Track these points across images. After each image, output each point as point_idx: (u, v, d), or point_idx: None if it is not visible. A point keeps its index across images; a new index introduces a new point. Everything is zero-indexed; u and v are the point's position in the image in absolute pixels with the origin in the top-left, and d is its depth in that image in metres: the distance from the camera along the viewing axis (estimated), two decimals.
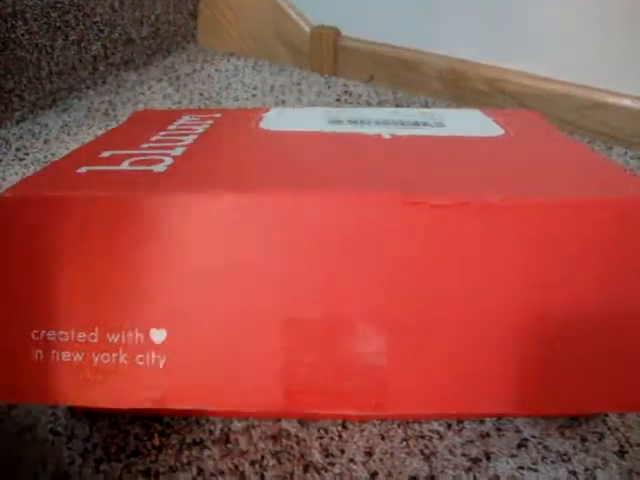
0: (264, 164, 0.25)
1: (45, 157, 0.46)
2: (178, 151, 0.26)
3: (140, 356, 0.21)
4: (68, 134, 0.49)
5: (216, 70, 0.58)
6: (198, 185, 0.22)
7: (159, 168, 0.24)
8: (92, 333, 0.21)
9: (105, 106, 0.52)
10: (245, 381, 0.21)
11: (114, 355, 0.21)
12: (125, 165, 0.24)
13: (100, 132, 0.48)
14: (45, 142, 0.48)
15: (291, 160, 0.25)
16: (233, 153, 0.27)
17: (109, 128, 0.46)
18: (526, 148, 0.28)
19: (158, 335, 0.21)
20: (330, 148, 0.27)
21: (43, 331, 0.21)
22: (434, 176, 0.24)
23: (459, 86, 0.53)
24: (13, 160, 0.46)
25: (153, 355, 0.21)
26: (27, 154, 0.47)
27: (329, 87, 0.55)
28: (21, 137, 0.49)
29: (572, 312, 0.21)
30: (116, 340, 0.21)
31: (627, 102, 0.47)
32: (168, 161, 0.25)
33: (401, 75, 0.55)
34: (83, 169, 0.24)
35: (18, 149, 0.47)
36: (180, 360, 0.21)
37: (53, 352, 0.21)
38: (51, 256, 0.21)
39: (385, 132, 0.29)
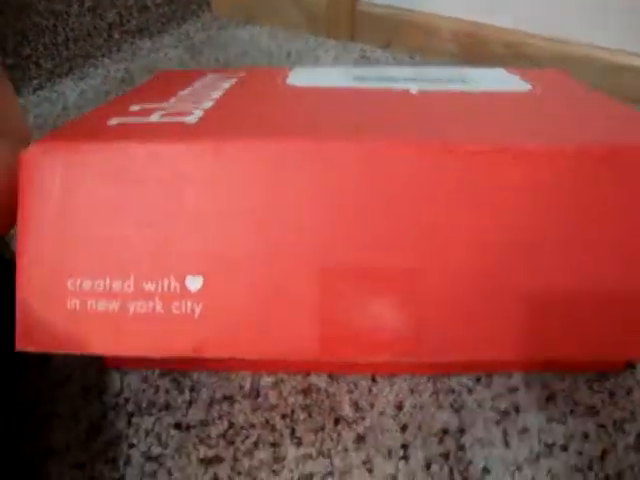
0: (296, 115, 0.25)
1: (64, 124, 0.46)
2: (207, 104, 0.26)
3: (176, 304, 0.21)
4: (86, 100, 0.48)
5: (232, 37, 0.58)
6: (232, 133, 0.22)
7: (191, 119, 0.24)
8: (128, 282, 0.21)
9: (121, 73, 0.52)
10: (281, 328, 0.21)
11: (150, 304, 0.21)
12: (155, 117, 0.24)
13: None
14: (63, 109, 0.48)
15: (322, 111, 0.25)
16: (263, 105, 0.27)
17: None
18: (556, 101, 0.28)
19: (194, 283, 0.21)
20: (360, 101, 0.27)
21: (79, 280, 0.21)
22: (468, 126, 0.24)
23: (477, 50, 0.53)
24: (32, 127, 0.46)
25: (189, 303, 0.21)
26: (46, 121, 0.47)
27: (346, 52, 0.55)
28: (39, 105, 0.49)
29: (606, 257, 0.21)
30: (152, 288, 0.21)
31: None
32: (198, 113, 0.24)
33: (419, 40, 0.55)
34: (114, 121, 0.24)
35: (37, 116, 0.47)
36: (216, 308, 0.21)
37: (89, 302, 0.21)
38: (84, 205, 0.21)
39: (412, 87, 0.29)
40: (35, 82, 0.51)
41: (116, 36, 0.55)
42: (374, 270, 0.21)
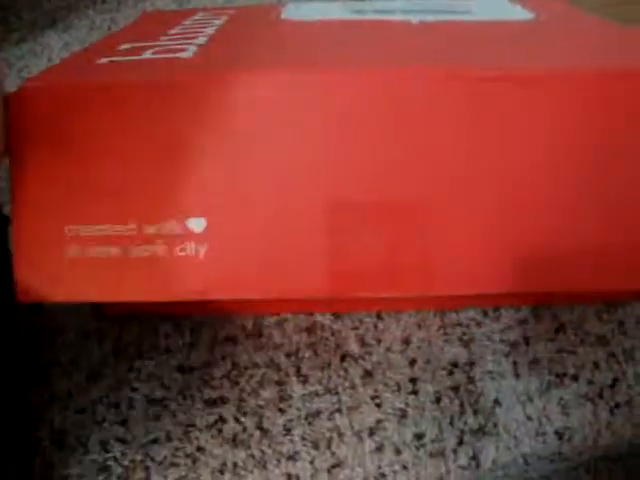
0: (296, 47, 0.24)
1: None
2: (201, 40, 0.25)
3: (180, 247, 0.20)
4: (71, 52, 0.47)
5: None
6: (231, 65, 0.21)
7: (185, 55, 0.22)
8: (129, 225, 0.20)
9: (107, 24, 0.50)
10: (290, 267, 0.20)
11: (153, 247, 0.20)
12: (148, 54, 0.23)
13: None
14: (48, 60, 0.46)
15: (323, 43, 0.24)
16: (260, 39, 0.25)
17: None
18: (561, 28, 0.27)
19: (197, 224, 0.20)
20: (361, 33, 0.26)
21: (77, 226, 0.20)
22: (473, 53, 0.23)
23: None
24: (17, 79, 0.44)
25: (193, 245, 0.20)
26: (30, 73, 0.45)
27: None
28: (22, 57, 0.47)
29: (618, 185, 0.21)
30: (154, 231, 0.20)
31: None
32: (193, 49, 0.23)
33: None
34: (104, 60, 0.23)
35: (20, 69, 0.46)
36: (221, 249, 0.20)
37: (88, 247, 0.20)
38: (78, 146, 0.20)
39: (413, 18, 0.28)
40: (17, 34, 0.49)
41: None
42: (382, 202, 0.20)
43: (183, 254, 0.20)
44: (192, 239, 0.20)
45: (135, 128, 0.20)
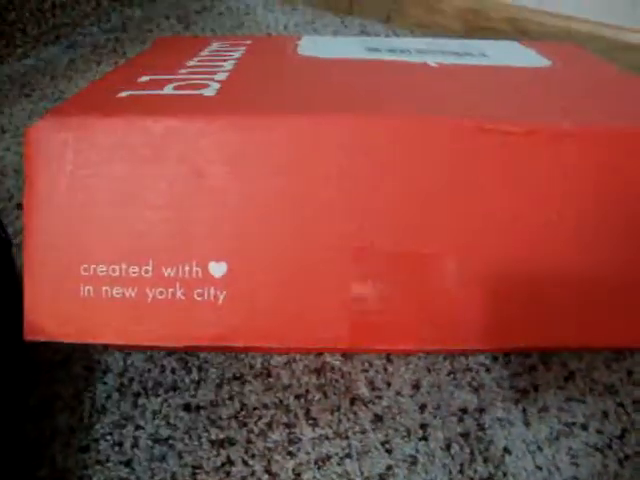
0: (318, 88, 0.24)
1: (53, 93, 0.44)
2: (222, 76, 0.24)
3: (198, 291, 0.20)
4: (76, 71, 0.46)
5: (227, 8, 0.56)
6: (256, 107, 0.21)
7: (208, 92, 0.22)
8: (146, 267, 0.20)
9: (112, 43, 0.50)
10: (310, 317, 0.20)
11: (170, 290, 0.20)
12: (169, 89, 0.23)
13: (109, 69, 0.46)
14: (52, 78, 0.46)
15: (344, 84, 0.24)
16: (281, 77, 0.25)
17: (118, 65, 0.44)
18: (579, 77, 0.27)
19: (218, 269, 0.20)
20: (380, 74, 0.26)
21: (93, 265, 0.20)
22: (498, 103, 0.23)
23: (479, 26, 0.52)
24: (19, 96, 0.44)
25: (212, 290, 0.20)
26: (34, 90, 0.44)
27: (345, 27, 0.53)
28: (25, 73, 0.46)
29: (634, 243, 0.21)
30: (172, 274, 0.20)
31: None
32: (215, 86, 0.23)
33: (419, 15, 0.53)
34: (124, 94, 0.22)
35: (24, 85, 0.45)
36: (241, 295, 0.20)
37: (104, 288, 0.20)
38: (97, 185, 0.20)
39: (430, 60, 0.28)
40: (20, 50, 0.48)
41: (104, 4, 0.53)
42: (404, 253, 0.20)
43: (201, 299, 0.20)
44: (212, 283, 0.20)
45: (153, 168, 0.20)
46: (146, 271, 0.20)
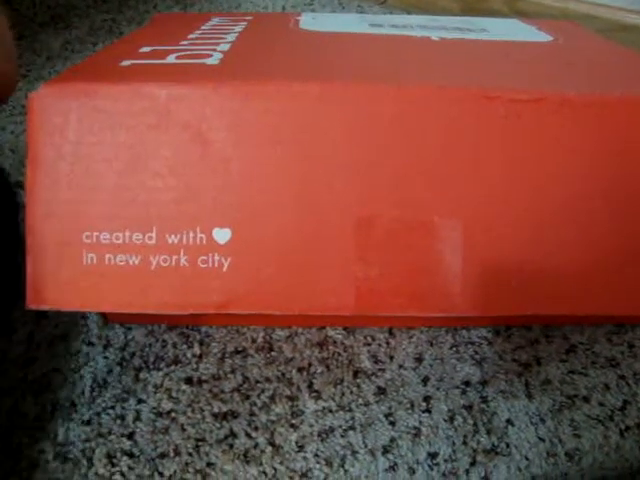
0: (322, 59, 0.24)
1: (49, 74, 0.44)
2: (224, 47, 0.24)
3: (203, 258, 0.20)
4: (72, 51, 0.46)
5: None
6: (260, 75, 0.21)
7: (211, 61, 0.22)
8: (149, 234, 0.19)
9: (108, 24, 0.49)
10: (314, 283, 0.20)
11: (174, 257, 0.20)
12: (171, 59, 0.22)
13: None
14: (48, 59, 0.45)
15: (348, 54, 0.24)
16: (284, 48, 0.25)
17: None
18: (581, 51, 0.27)
19: (222, 235, 0.20)
20: (384, 48, 0.26)
21: (95, 233, 0.20)
22: (503, 73, 0.23)
23: (476, 7, 0.52)
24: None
25: (216, 256, 0.20)
26: (30, 71, 0.44)
27: (343, 7, 0.53)
28: (21, 55, 0.46)
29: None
30: (176, 241, 0.20)
31: None
32: (217, 55, 0.23)
33: None
34: (126, 62, 0.22)
35: (19, 66, 0.44)
36: (246, 262, 0.20)
37: (107, 255, 0.20)
38: (101, 152, 0.20)
39: (432, 35, 0.28)
40: (15, 30, 0.48)
41: None
42: (408, 220, 0.20)
43: (205, 266, 0.20)
44: (216, 250, 0.19)
45: (157, 135, 0.19)
46: (150, 238, 0.19)
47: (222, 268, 0.19)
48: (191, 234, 0.19)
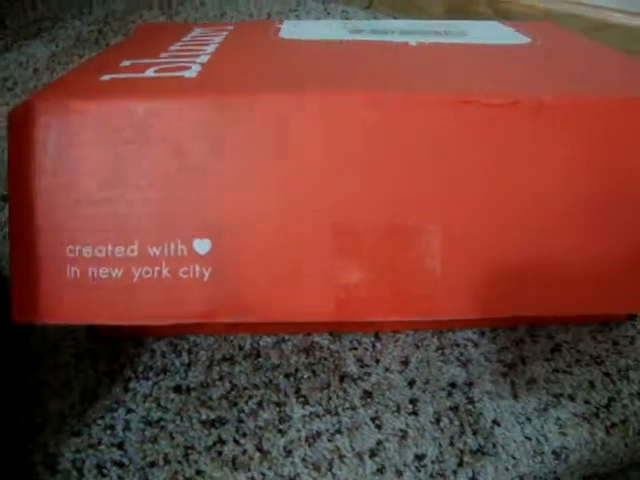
0: (301, 67, 0.24)
1: (36, 86, 0.44)
2: (203, 58, 0.24)
3: (184, 269, 0.20)
4: (59, 64, 0.46)
5: None
6: (237, 87, 0.21)
7: (189, 74, 0.22)
8: (131, 247, 0.20)
9: (95, 35, 0.50)
10: (295, 290, 0.20)
11: (156, 269, 0.20)
12: (150, 72, 0.23)
13: None
14: (34, 72, 0.45)
15: (325, 63, 0.24)
16: (262, 59, 0.25)
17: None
18: (558, 52, 0.28)
19: (202, 246, 0.20)
20: (361, 53, 0.26)
21: (78, 247, 0.20)
22: (478, 77, 0.23)
23: (461, 10, 0.52)
24: (1, 89, 0.44)
25: (197, 267, 0.20)
26: (16, 84, 0.44)
27: (328, 13, 0.53)
28: (7, 67, 0.46)
29: (620, 210, 0.21)
30: (158, 253, 0.20)
31: (639, 22, 0.46)
32: (196, 68, 0.23)
33: (401, 0, 0.53)
34: (106, 77, 0.22)
35: (5, 79, 0.45)
36: (226, 271, 0.20)
37: (90, 269, 0.20)
38: (81, 167, 0.20)
39: (411, 40, 0.28)
40: (0, 43, 0.48)
41: None
42: (386, 226, 0.20)
43: (187, 277, 0.20)
44: (197, 261, 0.20)
45: (136, 149, 0.20)
46: (132, 250, 0.20)
47: (203, 278, 0.20)
48: (172, 246, 0.20)
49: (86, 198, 0.20)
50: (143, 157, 0.20)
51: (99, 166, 0.20)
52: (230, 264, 0.20)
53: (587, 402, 0.25)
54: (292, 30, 0.31)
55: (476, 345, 0.26)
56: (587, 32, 0.48)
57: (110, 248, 0.20)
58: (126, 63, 0.24)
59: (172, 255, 0.20)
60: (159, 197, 0.20)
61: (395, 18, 0.53)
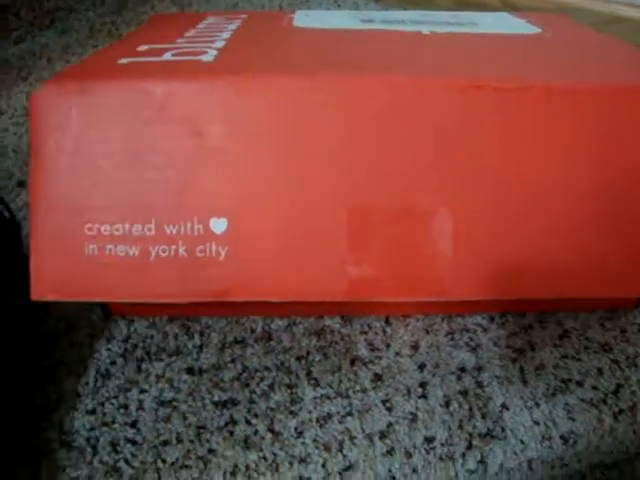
0: (315, 53, 0.24)
1: (50, 76, 0.44)
2: (219, 44, 0.25)
3: (200, 247, 0.20)
4: (73, 54, 0.47)
5: None
6: (254, 70, 0.21)
7: (206, 58, 0.23)
8: (148, 225, 0.20)
9: (108, 27, 0.50)
10: (309, 270, 0.20)
11: (173, 247, 0.20)
12: (168, 56, 0.23)
13: None
14: (48, 61, 0.46)
15: (340, 49, 0.25)
16: (277, 45, 0.26)
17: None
18: (569, 42, 0.28)
19: (218, 225, 0.20)
20: (375, 42, 0.26)
21: (97, 225, 0.20)
22: (490, 64, 0.23)
23: (470, 3, 0.52)
24: (16, 79, 0.44)
25: (214, 246, 0.20)
26: (30, 73, 0.45)
27: (338, 5, 0.53)
28: (22, 57, 0.47)
29: (629, 195, 0.21)
30: (174, 231, 0.20)
31: None
32: (212, 52, 0.23)
33: None
34: (124, 60, 0.23)
35: (21, 69, 0.45)
36: (242, 251, 0.20)
37: (108, 247, 0.20)
38: (100, 147, 0.20)
39: (423, 29, 0.28)
40: (15, 34, 0.48)
41: None
42: (399, 208, 0.20)
43: (203, 255, 0.20)
44: (213, 240, 0.20)
45: (155, 129, 0.20)
46: (149, 229, 0.20)
47: (219, 257, 0.20)
48: (189, 225, 0.20)
49: (104, 178, 0.20)
50: (161, 137, 0.20)
51: (117, 146, 0.20)
52: (246, 244, 0.20)
53: (595, 388, 0.25)
54: (305, 19, 0.31)
55: (485, 330, 0.26)
56: (597, 26, 0.48)
57: (128, 227, 0.20)
58: (143, 48, 0.24)
59: (189, 234, 0.20)
60: (176, 177, 0.20)
61: (405, 10, 0.53)
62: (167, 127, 0.20)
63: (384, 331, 0.26)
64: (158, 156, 0.20)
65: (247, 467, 0.23)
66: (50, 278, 0.20)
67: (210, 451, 0.23)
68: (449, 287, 0.21)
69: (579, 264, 0.21)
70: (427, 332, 0.26)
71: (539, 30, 0.30)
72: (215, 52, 0.23)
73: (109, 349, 0.26)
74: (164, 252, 0.20)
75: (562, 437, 0.24)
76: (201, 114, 0.20)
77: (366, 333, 0.26)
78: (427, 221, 0.20)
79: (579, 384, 0.25)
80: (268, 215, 0.20)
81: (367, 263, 0.20)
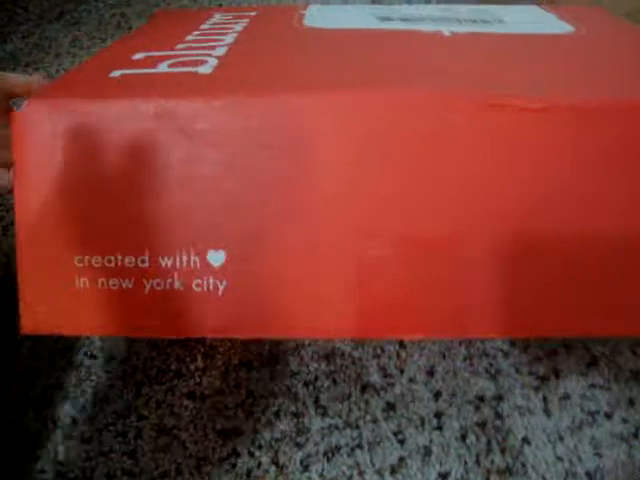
0: (323, 62, 0.22)
1: (57, 71, 0.43)
2: (220, 51, 0.23)
3: (197, 281, 0.18)
4: (81, 48, 0.45)
5: None
6: (255, 86, 0.19)
7: (204, 70, 0.21)
8: (142, 257, 0.19)
9: (117, 19, 0.48)
10: (314, 305, 0.18)
11: (168, 281, 0.19)
12: (163, 67, 0.21)
13: None
14: (56, 56, 0.44)
15: (351, 58, 0.23)
16: (284, 52, 0.24)
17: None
18: (602, 45, 0.26)
19: (216, 258, 0.18)
20: (390, 46, 0.24)
21: (87, 257, 0.19)
22: (514, 76, 0.21)
23: None
24: (23, 74, 0.43)
25: (211, 280, 0.18)
26: (37, 68, 0.43)
27: None
28: (29, 52, 0.45)
29: None
30: (169, 264, 0.19)
31: None
32: (212, 62, 0.22)
33: None
34: (116, 73, 0.21)
35: (28, 63, 0.44)
36: (242, 285, 0.18)
37: (99, 279, 0.19)
38: (89, 172, 0.19)
39: (444, 29, 0.26)
40: (23, 27, 0.47)
41: None
42: (412, 237, 0.18)
43: (200, 290, 0.19)
44: (210, 273, 0.18)
45: (147, 152, 0.18)
46: (142, 261, 0.19)
47: (217, 292, 0.18)
48: (184, 257, 0.18)
49: (94, 205, 0.19)
50: (153, 162, 0.18)
51: (108, 171, 0.18)
52: (246, 278, 0.18)
53: (625, 421, 0.23)
54: (317, 17, 0.29)
55: (506, 355, 0.25)
56: (633, 15, 0.46)
57: (120, 258, 0.19)
58: (139, 56, 0.23)
59: (185, 267, 0.18)
60: (171, 205, 0.18)
61: (427, 2, 0.51)
62: (159, 151, 0.18)
63: (398, 355, 0.25)
64: (150, 182, 0.18)
65: None
66: (41, 312, 0.19)
67: None
68: (467, 323, 0.19)
69: (605, 300, 0.19)
70: (444, 357, 0.25)
71: (571, 29, 0.27)
72: (215, 61, 0.22)
73: (108, 371, 0.25)
74: (159, 285, 0.19)
75: (588, 474, 0.22)
76: (195, 136, 0.18)
77: (379, 357, 0.25)
78: (441, 251, 0.19)
79: (607, 416, 0.23)
80: (269, 247, 0.18)
81: (376, 297, 0.18)
